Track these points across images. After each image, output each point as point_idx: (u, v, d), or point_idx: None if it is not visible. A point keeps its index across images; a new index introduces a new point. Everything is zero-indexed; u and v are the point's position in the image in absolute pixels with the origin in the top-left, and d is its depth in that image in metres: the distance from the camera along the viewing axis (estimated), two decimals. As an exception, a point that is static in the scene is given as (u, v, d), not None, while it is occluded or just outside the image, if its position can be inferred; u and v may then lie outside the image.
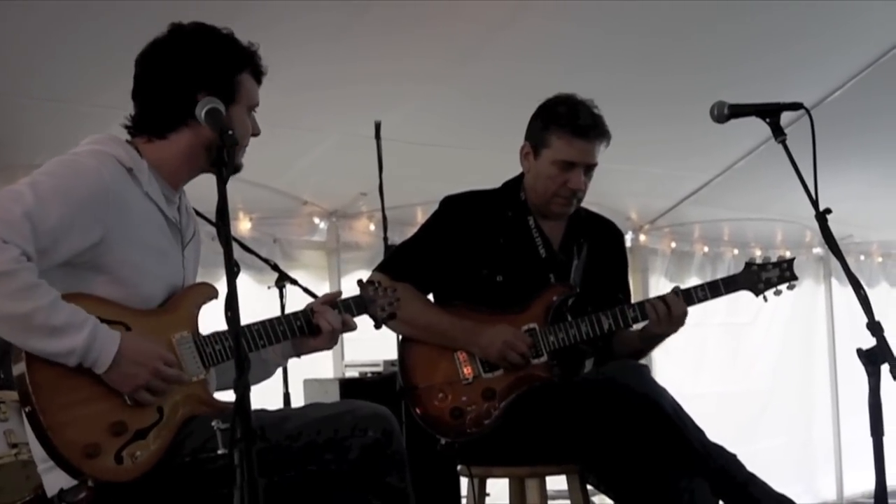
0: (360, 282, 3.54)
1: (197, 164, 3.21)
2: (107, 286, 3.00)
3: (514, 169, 4.34)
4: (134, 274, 3.04)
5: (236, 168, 3.11)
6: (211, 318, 3.17)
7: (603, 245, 4.38)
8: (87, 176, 2.96)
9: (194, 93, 3.08)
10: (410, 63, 5.71)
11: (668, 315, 4.07)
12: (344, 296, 3.46)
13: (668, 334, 4.15)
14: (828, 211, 3.28)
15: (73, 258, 2.95)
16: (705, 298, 4.15)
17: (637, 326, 4.17)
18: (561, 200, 4.19)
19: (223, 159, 2.70)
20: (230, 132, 2.74)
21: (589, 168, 4.16)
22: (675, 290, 4.14)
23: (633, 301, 4.32)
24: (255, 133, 3.27)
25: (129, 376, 2.92)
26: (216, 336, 3.14)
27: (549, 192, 4.18)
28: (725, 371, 9.52)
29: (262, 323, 3.25)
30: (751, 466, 3.95)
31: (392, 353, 4.38)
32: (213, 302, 3.18)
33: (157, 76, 3.15)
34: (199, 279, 3.32)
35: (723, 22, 6.07)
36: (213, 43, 3.16)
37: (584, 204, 4.32)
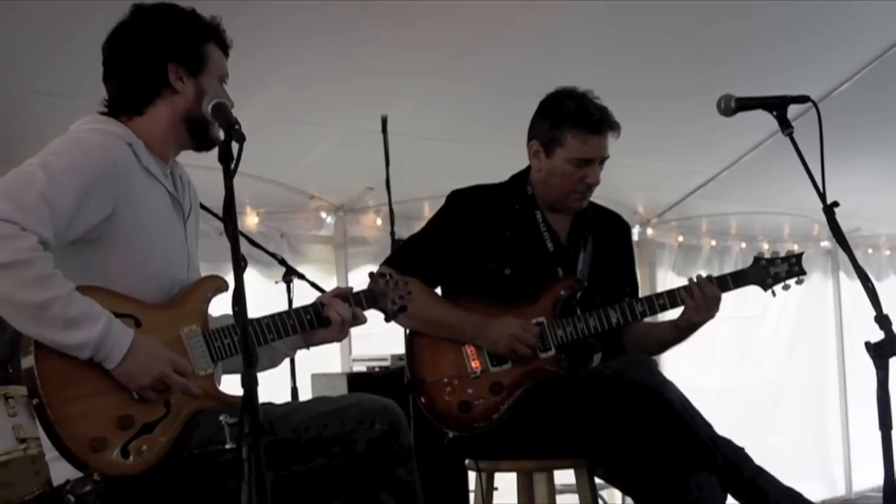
0: (371, 274, 3.54)
1: (179, 136, 3.23)
2: (114, 260, 3.02)
3: (520, 163, 4.34)
4: (141, 247, 3.06)
5: (212, 142, 3.16)
6: (221, 311, 3.18)
7: (610, 238, 4.38)
8: (95, 152, 2.99)
9: (164, 63, 3.15)
10: (416, 57, 5.71)
11: (704, 298, 4.06)
12: (355, 289, 3.47)
13: (705, 321, 4.12)
14: (835, 204, 3.27)
15: (84, 234, 2.96)
16: (714, 293, 4.14)
17: (665, 316, 4.16)
18: (578, 196, 4.20)
19: (230, 154, 2.69)
20: (237, 126, 2.74)
21: (603, 161, 4.17)
22: (708, 278, 4.13)
23: (640, 294, 4.34)
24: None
25: (137, 375, 2.93)
26: (225, 330, 3.14)
27: (567, 188, 4.18)
28: (734, 365, 9.50)
29: (272, 316, 3.26)
30: (759, 460, 3.95)
31: (399, 348, 4.39)
32: (224, 295, 3.17)
33: (126, 53, 3.19)
34: (206, 273, 3.32)
35: (729, 16, 6.05)
36: (177, 16, 3.20)
37: (591, 198, 4.33)
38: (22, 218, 2.78)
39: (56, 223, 2.85)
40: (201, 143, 3.23)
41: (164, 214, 3.18)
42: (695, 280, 4.13)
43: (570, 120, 4.13)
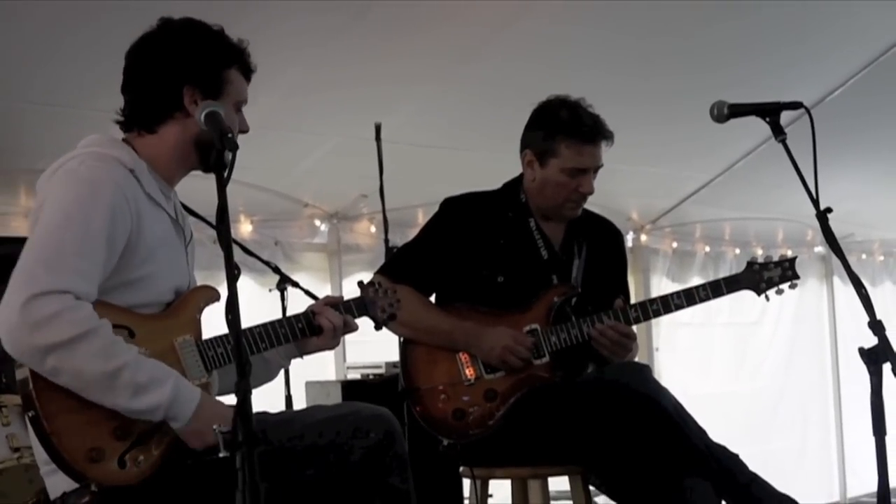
0: (360, 283, 3.54)
1: (187, 160, 3.20)
2: (121, 290, 3.00)
3: (514, 170, 4.34)
4: (148, 276, 3.04)
5: (223, 165, 3.11)
6: (215, 322, 3.17)
7: (602, 245, 4.38)
8: (107, 193, 2.94)
9: (180, 85, 3.11)
10: (410, 65, 5.71)
11: (609, 342, 4.06)
12: (345, 298, 3.47)
13: (619, 358, 4.11)
14: (828, 210, 3.28)
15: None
16: (707, 298, 4.14)
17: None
18: (572, 205, 4.22)
19: (223, 162, 2.68)
20: (230, 135, 2.72)
21: (597, 169, 4.18)
22: (679, 293, 4.13)
23: (633, 298, 4.34)
24: (243, 130, 3.26)
25: (203, 434, 2.93)
26: (218, 339, 3.13)
27: (561, 198, 4.19)
28: (731, 371, 9.52)
29: (264, 325, 3.26)
30: (754, 467, 3.94)
31: (394, 355, 4.38)
32: (217, 305, 3.17)
33: (145, 68, 3.15)
34: (200, 282, 3.32)
35: (722, 22, 6.07)
36: (202, 37, 3.16)
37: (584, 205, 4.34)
38: (70, 285, 2.78)
39: (94, 277, 2.85)
40: (210, 165, 3.15)
41: (168, 239, 3.16)
42: (605, 322, 4.08)
43: (564, 130, 4.13)
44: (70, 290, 2.77)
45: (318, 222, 7.13)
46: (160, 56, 3.13)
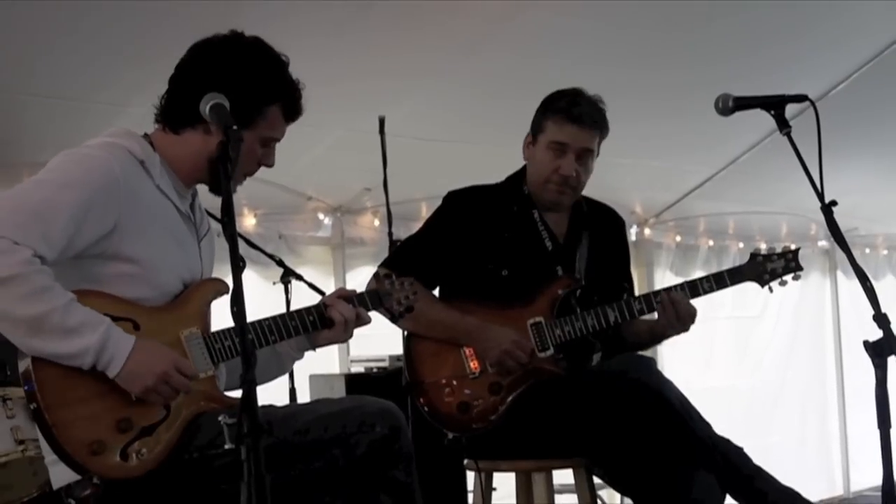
0: (376, 275, 3.54)
1: (199, 172, 3.20)
2: (119, 276, 3.00)
3: (517, 163, 4.34)
4: (147, 264, 3.04)
5: (227, 190, 3.04)
6: (223, 315, 3.16)
7: (605, 234, 4.38)
8: (96, 168, 2.96)
9: None
10: (414, 58, 5.71)
11: (678, 317, 4.06)
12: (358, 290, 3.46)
13: (675, 333, 4.13)
14: (833, 203, 3.27)
15: (85, 250, 2.94)
16: (711, 290, 4.14)
17: (646, 318, 4.16)
18: (553, 187, 4.19)
19: (228, 155, 2.68)
20: (234, 127, 2.72)
21: (581, 155, 4.15)
22: (682, 286, 4.14)
23: (635, 289, 4.34)
24: (267, 164, 3.27)
25: (140, 374, 2.91)
26: (226, 332, 3.13)
27: (542, 177, 4.19)
28: (734, 365, 9.51)
29: (274, 318, 3.25)
30: (758, 460, 3.95)
31: (397, 349, 4.38)
32: (225, 298, 3.15)
33: (192, 71, 3.14)
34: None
35: (726, 15, 6.05)
36: (259, 63, 3.14)
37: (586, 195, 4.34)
38: (14, 233, 2.77)
39: (52, 239, 2.83)
40: (218, 188, 2.96)
41: (175, 232, 3.16)
42: (667, 297, 4.10)
43: (554, 108, 4.16)
44: (9, 237, 2.76)
45: (321, 216, 7.12)
46: (210, 66, 3.11)
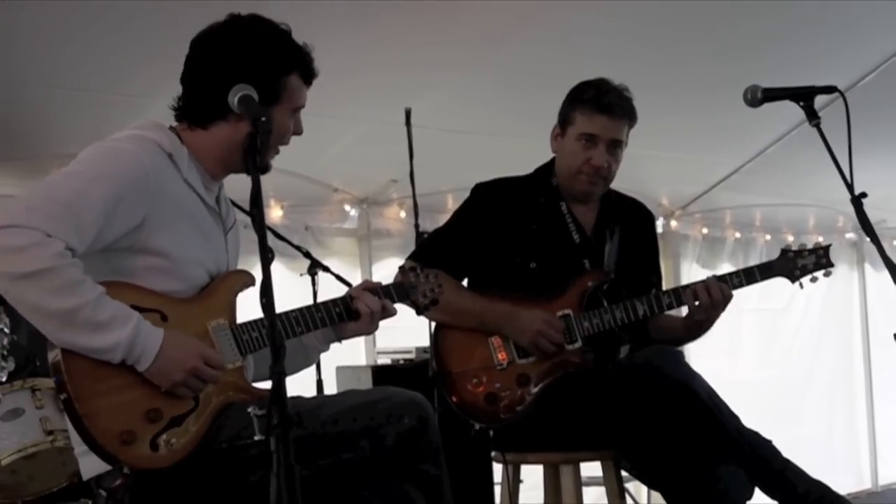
0: (401, 268, 3.54)
1: (232, 161, 3.19)
2: (147, 269, 3.01)
3: (544, 156, 4.33)
4: (175, 257, 3.04)
5: (264, 168, 3.09)
6: (250, 306, 3.17)
7: (635, 228, 4.38)
8: (126, 162, 2.95)
9: None
10: (440, 51, 5.70)
11: (710, 300, 4.04)
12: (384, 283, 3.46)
13: (712, 320, 4.11)
14: (863, 195, 3.27)
15: (114, 243, 2.95)
16: (740, 285, 4.12)
17: (675, 312, 4.15)
18: (584, 178, 4.19)
19: (255, 146, 2.69)
20: (263, 119, 2.73)
21: (612, 146, 4.16)
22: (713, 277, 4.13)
23: (663, 283, 4.33)
24: (298, 132, 3.27)
25: (169, 372, 2.92)
26: (253, 323, 3.14)
27: (573, 169, 4.19)
28: (761, 357, 9.47)
29: (300, 310, 3.26)
30: (785, 453, 3.93)
31: (424, 341, 4.39)
32: (250, 290, 3.16)
33: (205, 64, 3.14)
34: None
35: (753, 9, 6.02)
36: (265, 39, 3.14)
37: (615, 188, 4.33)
38: (47, 225, 2.77)
39: (82, 231, 2.84)
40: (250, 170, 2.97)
41: (201, 226, 3.16)
42: (703, 284, 4.09)
43: (582, 98, 4.16)
44: (42, 229, 2.76)
45: (347, 207, 7.12)
46: (221, 55, 3.11)
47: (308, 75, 3.23)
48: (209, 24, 3.18)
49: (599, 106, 4.12)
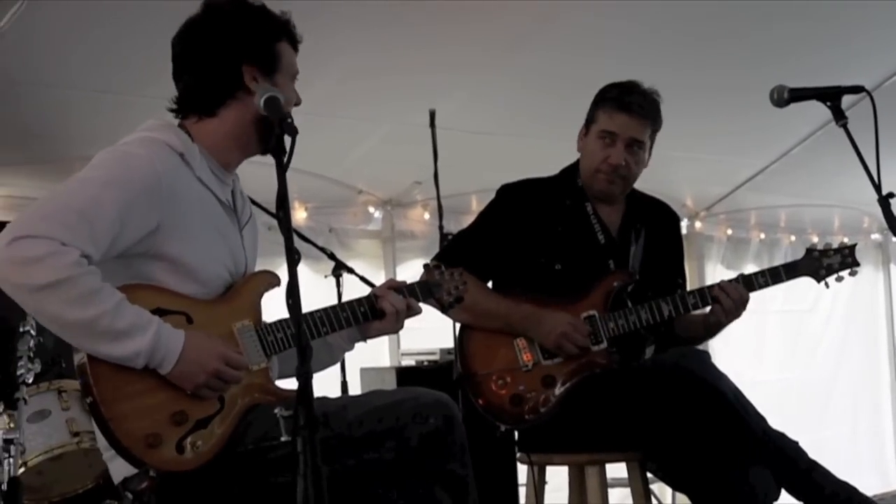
0: (426, 266, 3.53)
1: (247, 142, 3.19)
2: (165, 273, 3.00)
3: (568, 157, 4.33)
4: (192, 260, 3.03)
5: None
6: (273, 306, 3.17)
7: (660, 229, 4.37)
8: (139, 167, 2.94)
9: (239, 65, 3.10)
10: (465, 52, 5.70)
11: (732, 303, 4.04)
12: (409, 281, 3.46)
13: (730, 322, 4.11)
14: (891, 195, 3.25)
15: (130, 249, 2.94)
16: (766, 285, 4.12)
17: (697, 312, 4.15)
18: (602, 177, 4.20)
19: (283, 147, 2.69)
20: (289, 120, 2.73)
21: (631, 145, 4.15)
22: (738, 279, 4.11)
23: (688, 285, 4.32)
24: (297, 103, 3.26)
25: (191, 375, 2.92)
26: (278, 324, 3.14)
27: (593, 167, 4.20)
28: (786, 358, 9.45)
29: (325, 310, 3.25)
30: (811, 454, 3.92)
31: (448, 342, 4.38)
32: (274, 291, 3.17)
33: (199, 52, 3.15)
34: (258, 268, 3.32)
35: (779, 11, 6.00)
36: (249, 14, 3.16)
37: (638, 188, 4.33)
38: (63, 234, 2.76)
39: (97, 238, 2.83)
40: (269, 145, 2.95)
41: (217, 224, 3.15)
42: (720, 286, 4.09)
43: (606, 97, 4.19)
44: (58, 238, 2.75)
45: (372, 209, 7.13)
46: (214, 38, 3.13)
47: (294, 41, 3.25)
48: (186, 19, 3.19)
49: (620, 104, 4.13)
